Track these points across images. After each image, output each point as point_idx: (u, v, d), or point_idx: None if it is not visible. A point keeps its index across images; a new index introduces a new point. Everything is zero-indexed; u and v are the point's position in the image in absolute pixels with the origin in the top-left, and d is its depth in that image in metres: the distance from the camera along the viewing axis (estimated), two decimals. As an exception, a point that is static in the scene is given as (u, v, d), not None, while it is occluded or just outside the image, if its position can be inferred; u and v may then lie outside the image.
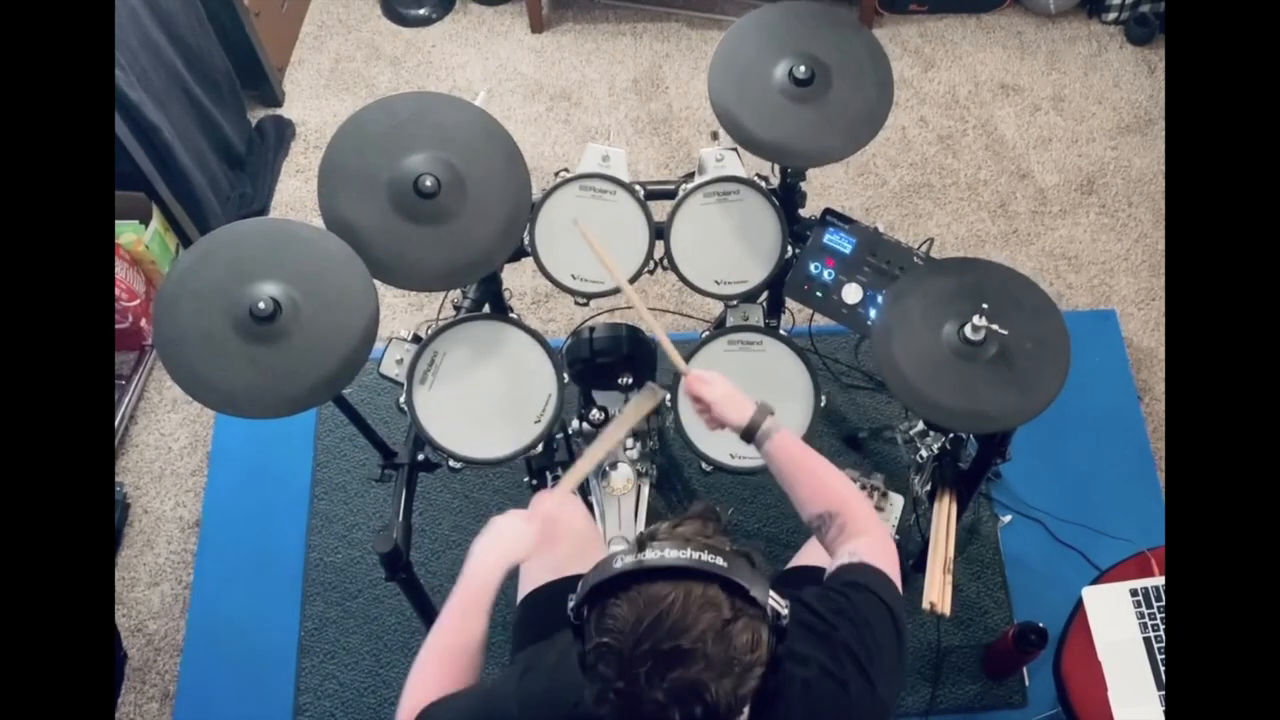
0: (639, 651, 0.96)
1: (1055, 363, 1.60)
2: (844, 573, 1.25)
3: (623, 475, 2.03)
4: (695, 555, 1.00)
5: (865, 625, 1.18)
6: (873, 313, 1.75)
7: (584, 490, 2.04)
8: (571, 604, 1.05)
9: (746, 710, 1.05)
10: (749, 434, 1.42)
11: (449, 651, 1.34)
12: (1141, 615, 1.87)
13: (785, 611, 1.05)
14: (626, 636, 0.97)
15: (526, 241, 1.82)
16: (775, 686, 1.06)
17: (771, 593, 1.04)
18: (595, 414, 2.02)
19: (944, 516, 1.93)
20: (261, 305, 1.51)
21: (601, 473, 2.04)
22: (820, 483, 1.38)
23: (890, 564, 1.27)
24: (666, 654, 0.96)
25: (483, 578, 1.39)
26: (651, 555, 1.00)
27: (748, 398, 1.45)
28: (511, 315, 1.83)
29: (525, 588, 1.64)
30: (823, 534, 1.35)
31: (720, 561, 1.00)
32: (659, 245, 1.85)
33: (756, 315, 1.89)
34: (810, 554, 1.69)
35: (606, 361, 2.04)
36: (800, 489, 1.38)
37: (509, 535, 1.45)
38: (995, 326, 1.56)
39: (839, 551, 1.29)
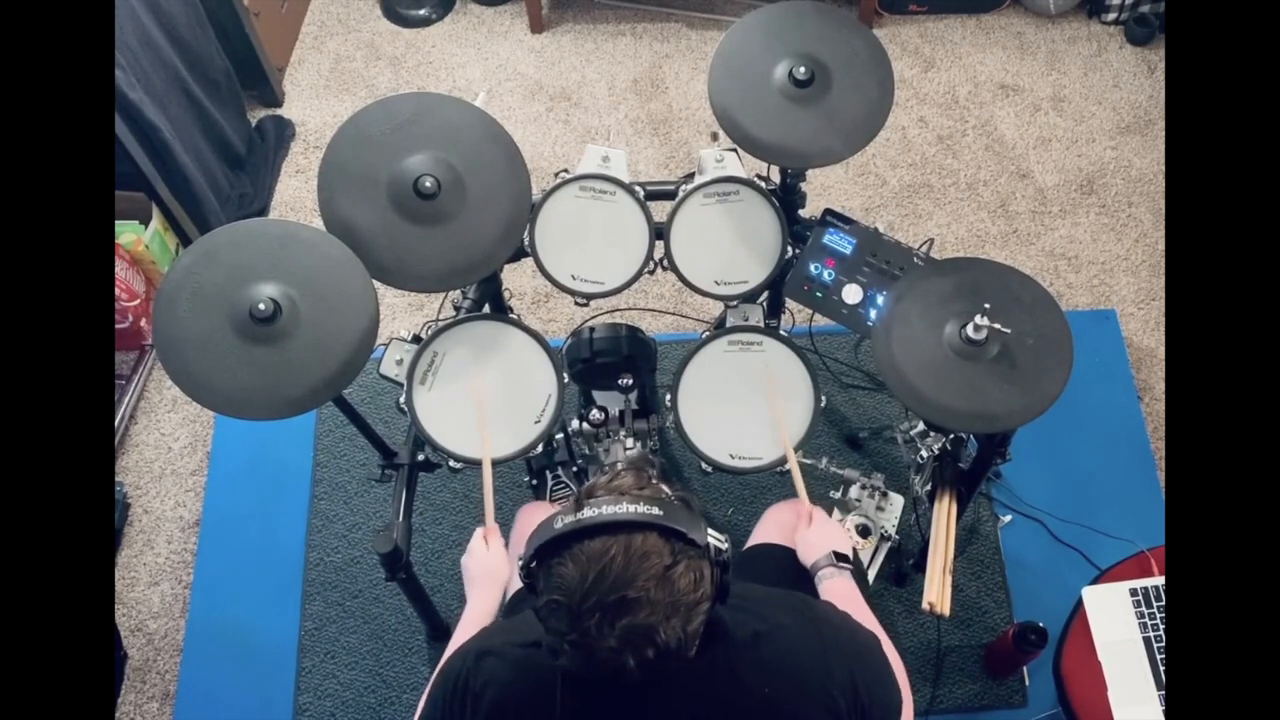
0: (586, 606, 1.01)
1: (1058, 360, 1.60)
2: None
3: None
4: (631, 508, 1.04)
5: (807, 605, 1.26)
6: (873, 313, 1.75)
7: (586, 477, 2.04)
8: (519, 563, 1.09)
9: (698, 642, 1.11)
10: (814, 568, 1.54)
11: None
12: (1141, 615, 1.87)
13: (725, 547, 1.10)
14: (574, 593, 1.02)
15: (526, 242, 1.82)
16: (718, 616, 1.12)
17: (710, 531, 1.08)
18: (595, 414, 2.01)
19: (944, 516, 1.93)
20: (261, 306, 1.51)
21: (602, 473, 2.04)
22: None
23: (893, 666, 1.30)
24: (613, 605, 1.01)
25: (483, 605, 1.50)
26: (589, 513, 1.04)
27: (835, 539, 1.57)
28: (511, 315, 1.83)
29: (513, 588, 1.66)
30: None
31: (656, 510, 1.04)
32: (659, 245, 1.85)
33: (756, 315, 1.89)
34: (766, 531, 1.75)
35: (606, 361, 2.04)
36: None
37: (482, 564, 1.55)
38: (998, 325, 1.56)
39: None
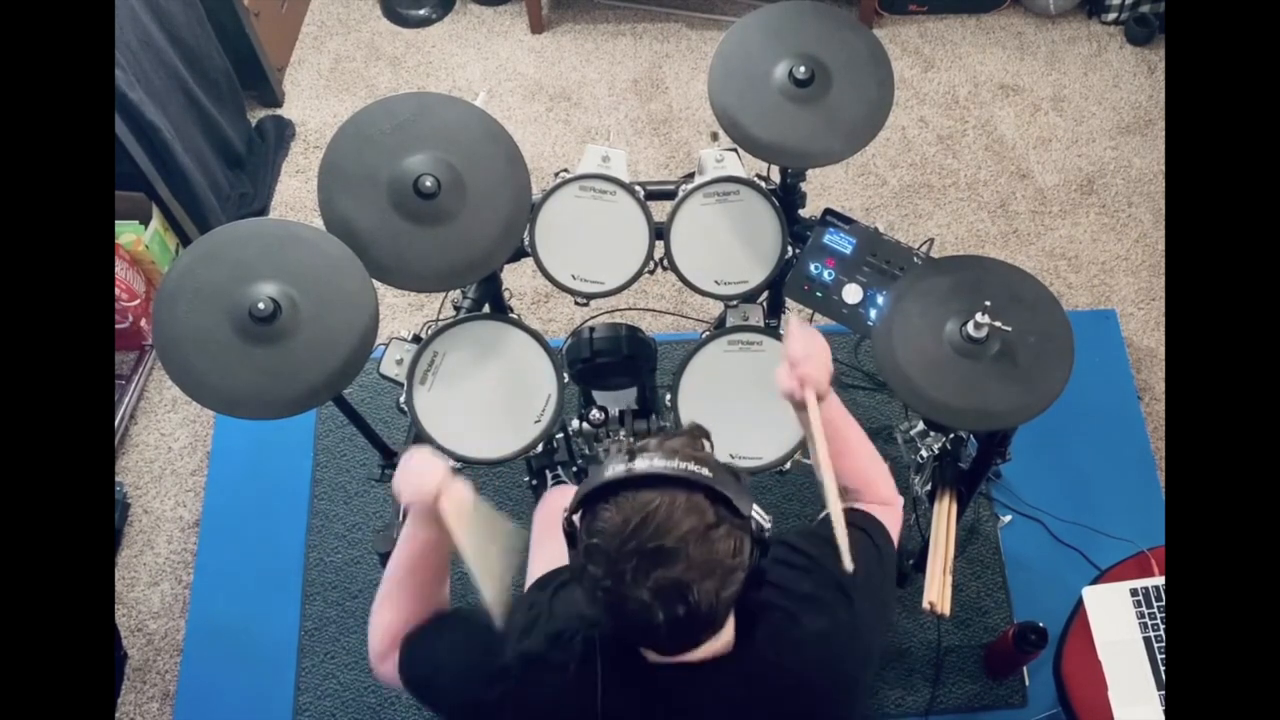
0: (625, 550, 1.01)
1: (1059, 359, 1.60)
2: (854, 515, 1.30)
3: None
4: (682, 465, 1.05)
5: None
6: (873, 313, 1.75)
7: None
8: (565, 512, 1.10)
9: (731, 623, 1.11)
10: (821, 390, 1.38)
11: (409, 570, 1.40)
12: (1141, 615, 1.87)
13: (768, 525, 1.10)
14: (613, 538, 1.02)
15: (526, 242, 1.82)
16: (759, 603, 1.13)
17: (756, 507, 1.09)
18: (595, 414, 2.02)
19: (944, 516, 1.93)
20: (261, 306, 1.51)
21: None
22: (851, 457, 1.42)
23: (891, 522, 1.32)
24: (651, 553, 1.01)
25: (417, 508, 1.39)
26: (640, 463, 1.05)
27: (827, 355, 1.42)
28: (511, 315, 1.83)
29: (532, 578, 1.64)
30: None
31: (705, 471, 1.05)
32: (659, 245, 1.85)
33: (756, 315, 1.89)
34: None
35: (606, 361, 2.04)
36: (834, 462, 1.35)
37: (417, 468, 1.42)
38: (999, 323, 1.55)
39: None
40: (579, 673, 1.14)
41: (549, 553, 1.59)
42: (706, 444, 1.13)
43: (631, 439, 1.12)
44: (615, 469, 1.06)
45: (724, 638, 1.13)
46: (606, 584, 1.03)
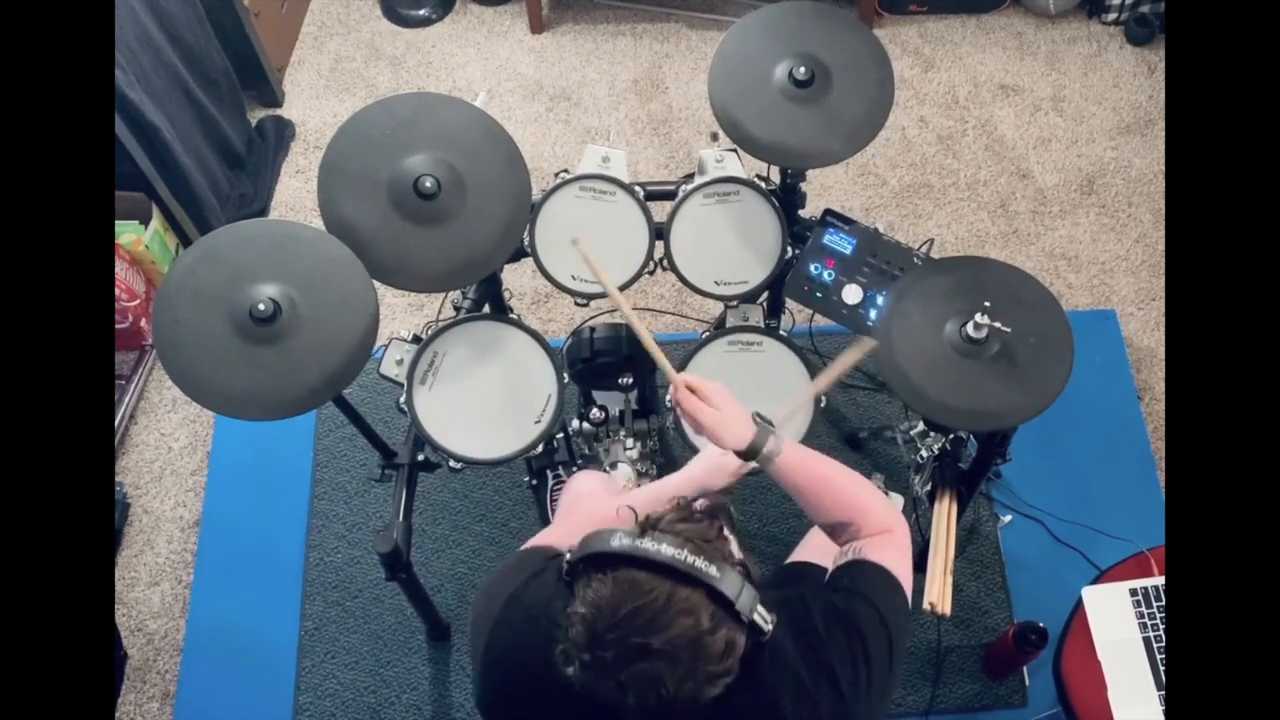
0: (610, 636, 0.98)
1: (1058, 358, 1.60)
2: (847, 575, 1.23)
3: (623, 475, 2.03)
4: (690, 559, 1.00)
5: (858, 638, 1.16)
6: (873, 313, 1.75)
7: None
8: (567, 559, 1.07)
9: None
10: (749, 455, 1.31)
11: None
12: (1141, 615, 1.87)
13: (769, 627, 1.05)
14: (603, 616, 0.99)
15: (526, 242, 1.82)
16: (744, 685, 1.07)
17: (759, 608, 1.04)
18: (595, 414, 2.02)
19: (944, 516, 1.93)
20: (261, 306, 1.51)
21: (604, 472, 2.04)
22: (834, 493, 1.31)
23: (900, 561, 1.23)
24: (635, 648, 0.98)
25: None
26: (649, 544, 1.01)
27: (744, 414, 1.32)
28: (511, 315, 1.84)
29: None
30: (840, 540, 1.31)
31: (713, 570, 1.00)
32: (659, 246, 1.85)
33: (756, 316, 1.89)
34: (809, 550, 1.70)
35: (606, 361, 2.04)
36: (813, 503, 1.32)
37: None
38: (998, 324, 1.56)
39: (846, 549, 1.27)
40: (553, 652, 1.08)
41: (562, 528, 1.56)
42: (727, 528, 1.09)
43: (647, 517, 1.06)
44: (621, 540, 1.02)
45: None
46: (585, 658, 1.00)
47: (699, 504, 1.12)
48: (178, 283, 1.55)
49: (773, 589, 1.11)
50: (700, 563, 1.00)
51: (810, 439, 1.81)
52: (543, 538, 1.35)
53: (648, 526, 1.04)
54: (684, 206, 1.82)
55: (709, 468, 1.49)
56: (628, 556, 1.01)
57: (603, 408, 2.03)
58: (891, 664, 1.17)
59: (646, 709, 0.99)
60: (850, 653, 1.15)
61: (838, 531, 1.31)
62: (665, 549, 1.00)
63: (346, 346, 1.57)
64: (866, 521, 1.28)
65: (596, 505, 1.57)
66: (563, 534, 1.33)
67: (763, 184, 1.83)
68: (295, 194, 2.96)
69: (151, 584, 2.38)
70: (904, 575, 1.23)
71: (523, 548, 1.33)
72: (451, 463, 1.77)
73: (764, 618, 1.05)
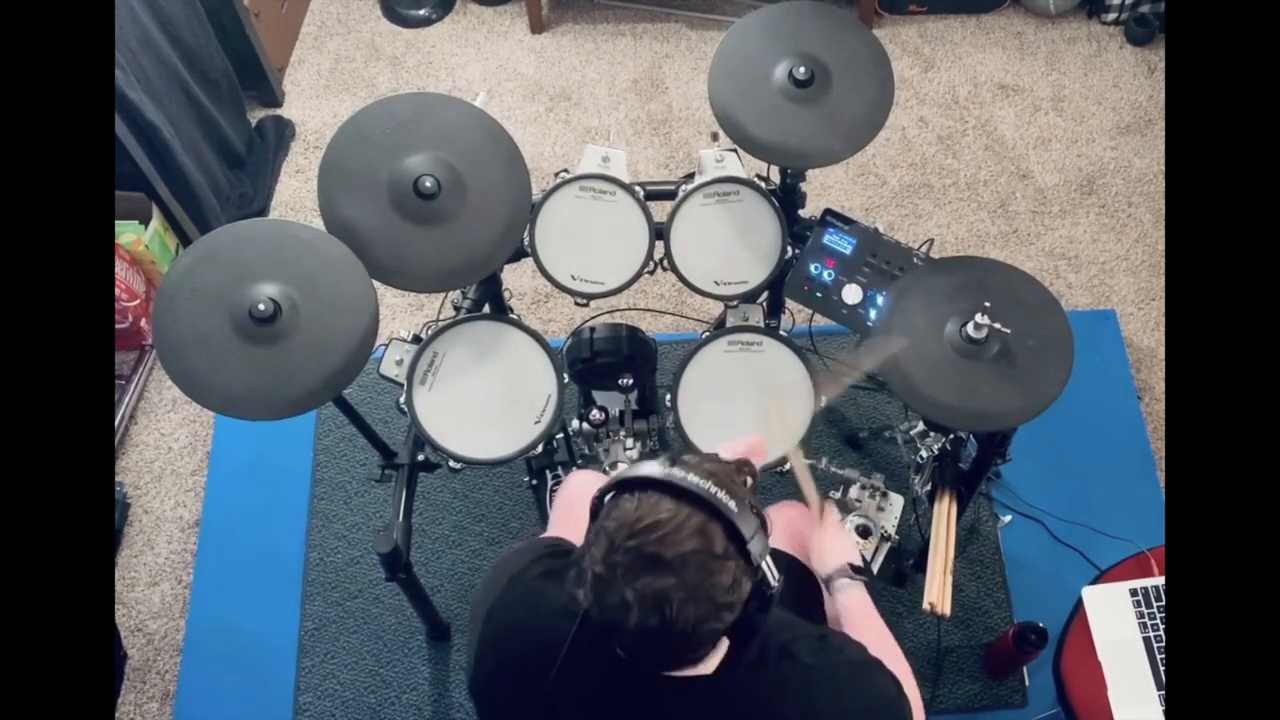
0: (626, 545, 1.01)
1: (1058, 359, 1.60)
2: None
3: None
4: (713, 490, 1.04)
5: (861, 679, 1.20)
6: (873, 313, 1.75)
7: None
8: (597, 491, 1.10)
9: (716, 659, 1.11)
10: (825, 580, 1.51)
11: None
12: (1141, 615, 1.87)
13: (775, 582, 1.09)
14: (621, 529, 1.03)
15: (526, 242, 1.82)
16: (746, 658, 1.11)
17: (768, 560, 1.08)
18: (595, 414, 2.02)
19: (944, 516, 1.93)
20: (261, 306, 1.51)
21: (602, 473, 2.04)
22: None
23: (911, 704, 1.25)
24: (647, 557, 1.01)
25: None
26: (678, 472, 1.06)
27: (848, 552, 1.51)
28: (511, 315, 1.84)
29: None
30: None
31: (732, 505, 1.04)
32: (659, 246, 1.85)
33: (756, 315, 1.89)
34: (774, 536, 1.71)
35: (606, 361, 2.04)
36: None
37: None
38: (997, 325, 1.56)
39: None
40: (551, 628, 1.13)
41: (563, 531, 1.59)
42: (750, 480, 1.13)
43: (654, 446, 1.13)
44: (652, 467, 1.07)
45: (700, 669, 1.11)
46: (599, 569, 1.03)
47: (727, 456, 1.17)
48: (178, 283, 1.55)
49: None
50: (722, 495, 1.04)
51: (811, 439, 1.81)
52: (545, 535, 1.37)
53: (677, 460, 1.08)
54: (684, 206, 1.82)
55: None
56: (656, 480, 1.05)
57: (603, 408, 2.03)
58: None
59: (648, 631, 1.01)
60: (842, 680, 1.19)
61: None
62: (692, 477, 1.05)
63: (346, 346, 1.57)
64: None
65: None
66: (561, 533, 1.35)
67: (763, 184, 1.83)
68: (295, 194, 2.96)
69: (151, 584, 2.38)
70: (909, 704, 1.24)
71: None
72: (451, 463, 1.77)
73: (771, 569, 1.08)
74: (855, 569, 1.50)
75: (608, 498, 1.09)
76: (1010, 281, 1.66)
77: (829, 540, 1.54)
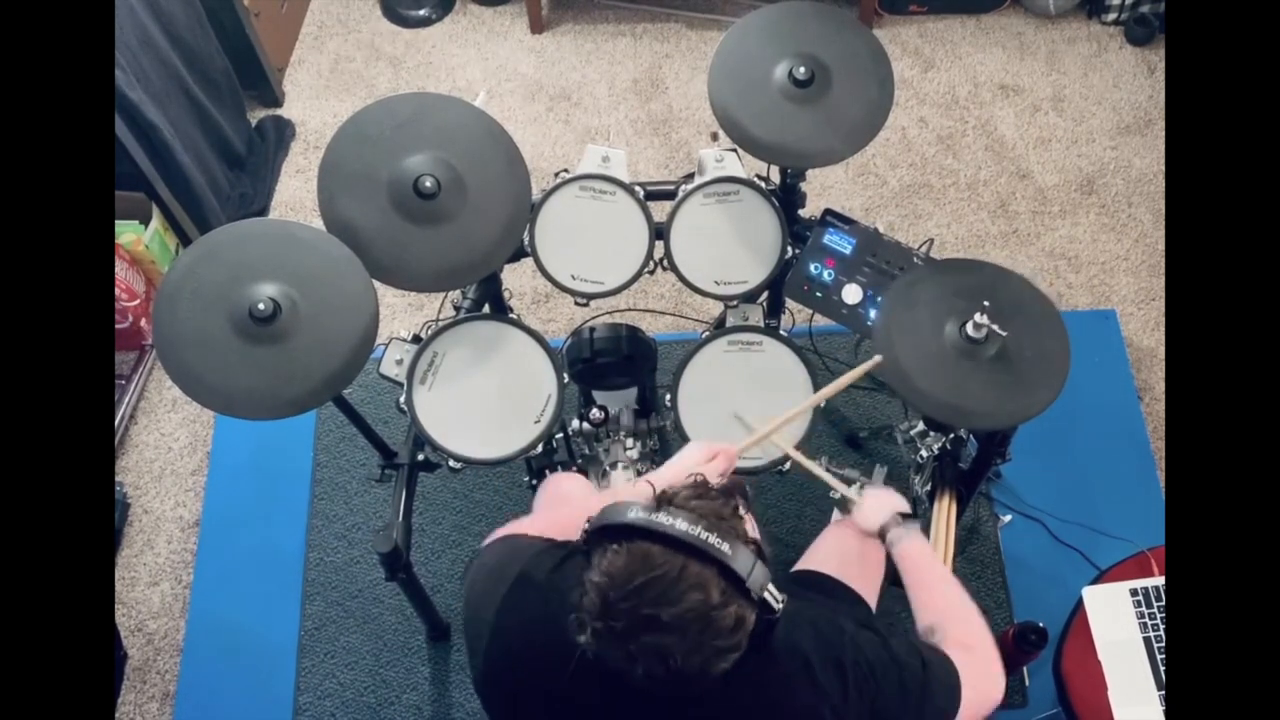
0: (622, 606, 1.00)
1: (1057, 359, 1.60)
2: (925, 646, 1.30)
3: (622, 476, 2.03)
4: (703, 535, 1.02)
5: (894, 675, 1.21)
6: (873, 313, 1.75)
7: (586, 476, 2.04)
8: (585, 527, 1.08)
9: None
10: (880, 534, 1.57)
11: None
12: (1141, 615, 1.87)
13: (779, 606, 1.07)
14: (615, 586, 1.01)
15: (526, 242, 1.82)
16: (753, 663, 1.09)
17: (770, 588, 1.06)
18: (595, 414, 2.02)
19: (944, 516, 1.93)
20: (261, 306, 1.51)
21: (602, 473, 2.04)
22: (933, 594, 1.46)
23: (971, 678, 1.28)
24: (644, 619, 0.99)
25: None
26: (664, 518, 1.03)
27: (890, 505, 1.58)
28: (511, 315, 1.84)
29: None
30: (927, 638, 1.39)
31: (725, 548, 1.02)
32: (659, 246, 1.85)
33: (756, 315, 1.89)
34: (819, 558, 1.70)
35: (607, 361, 2.04)
36: (914, 595, 1.47)
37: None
38: (995, 327, 1.56)
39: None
40: (565, 625, 1.11)
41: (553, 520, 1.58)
42: (743, 506, 1.11)
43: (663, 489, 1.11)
44: (637, 513, 1.04)
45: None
46: (596, 626, 1.02)
47: (716, 481, 1.14)
48: (178, 282, 1.55)
49: (792, 591, 1.13)
50: (713, 539, 1.02)
51: (810, 439, 1.81)
52: (522, 526, 1.35)
53: (664, 501, 1.06)
54: (684, 206, 1.82)
55: (692, 465, 1.50)
56: (643, 529, 1.03)
57: (603, 408, 2.03)
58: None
59: (655, 678, 1.01)
60: (875, 680, 1.19)
61: (927, 631, 1.40)
62: (679, 524, 1.02)
63: (346, 346, 1.57)
64: (952, 630, 1.38)
65: (587, 501, 1.60)
66: (549, 524, 1.35)
67: (763, 184, 1.83)
68: (295, 194, 2.96)
69: (151, 584, 2.38)
70: (967, 694, 1.27)
71: (502, 533, 1.34)
72: (451, 463, 1.77)
73: (774, 596, 1.07)
74: (904, 516, 1.54)
75: (593, 545, 1.06)
76: (1007, 285, 1.66)
77: (870, 500, 1.60)
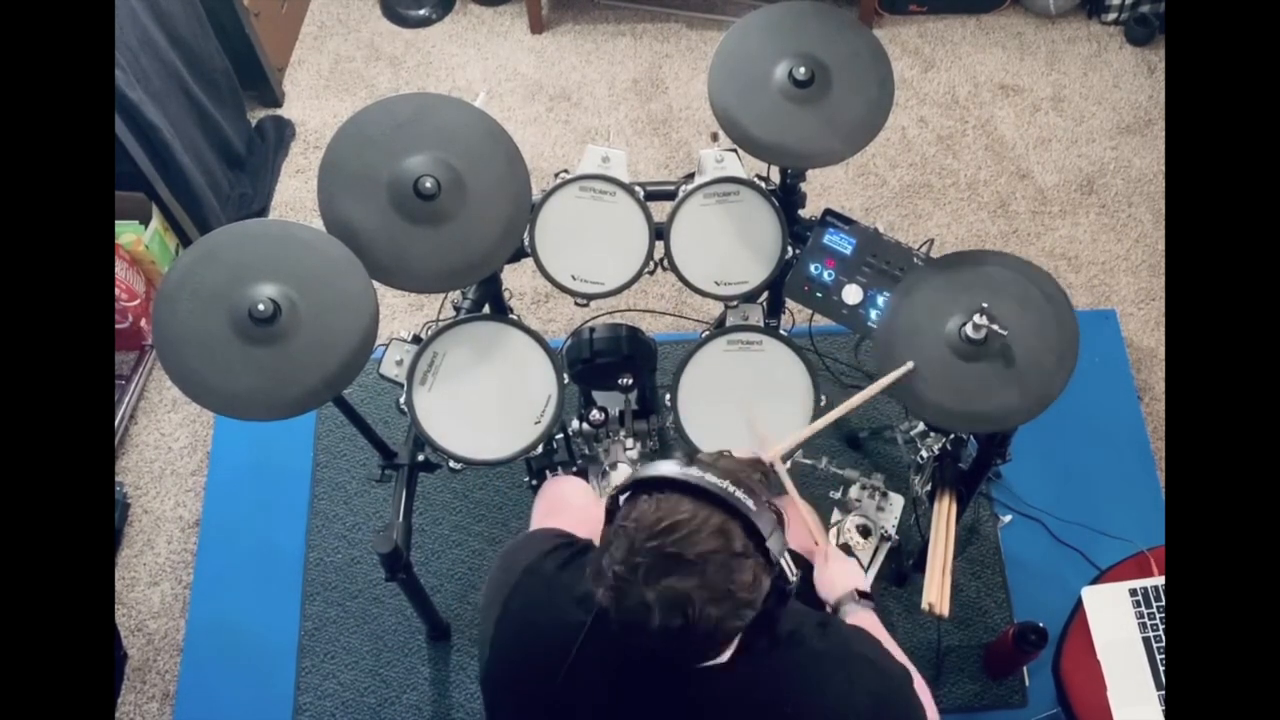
0: (647, 546, 1.02)
1: (1060, 359, 1.59)
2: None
3: (623, 476, 2.03)
4: (730, 488, 1.06)
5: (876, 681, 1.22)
6: (873, 313, 1.75)
7: (586, 476, 2.04)
8: (614, 490, 1.12)
9: (732, 648, 1.12)
10: (837, 604, 1.52)
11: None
12: (1141, 615, 1.87)
13: (793, 579, 1.10)
14: (641, 530, 1.04)
15: (526, 242, 1.82)
16: (760, 644, 1.12)
17: (786, 555, 1.09)
18: (595, 414, 2.01)
19: (944, 516, 1.92)
20: (261, 307, 1.51)
21: (602, 473, 2.04)
22: None
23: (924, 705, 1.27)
24: (667, 558, 1.02)
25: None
26: (694, 471, 1.07)
27: (855, 578, 1.53)
28: (511, 316, 1.83)
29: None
30: None
31: (750, 503, 1.06)
32: (659, 246, 1.85)
33: (756, 315, 1.89)
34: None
35: (606, 362, 2.04)
36: None
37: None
38: (995, 327, 1.55)
39: None
40: (569, 618, 1.16)
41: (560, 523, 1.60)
42: (764, 476, 1.16)
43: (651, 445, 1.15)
44: (669, 467, 1.08)
45: (717, 660, 1.13)
46: (619, 569, 1.04)
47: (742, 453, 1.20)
48: (178, 283, 1.55)
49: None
50: (740, 494, 1.06)
51: (810, 439, 1.81)
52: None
53: (694, 459, 1.10)
54: (684, 206, 1.82)
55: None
56: (673, 480, 1.06)
57: (603, 408, 2.03)
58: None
59: (669, 633, 1.02)
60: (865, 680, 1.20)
61: None
62: (709, 477, 1.06)
63: (346, 347, 1.57)
64: None
65: (589, 505, 1.63)
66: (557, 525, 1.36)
67: (763, 184, 1.83)
68: (295, 194, 2.96)
69: (151, 584, 2.38)
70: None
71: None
72: (451, 463, 1.77)
73: (789, 565, 1.10)
74: (862, 595, 1.51)
75: (624, 497, 1.10)
76: (1013, 277, 1.65)
77: (834, 567, 1.56)
